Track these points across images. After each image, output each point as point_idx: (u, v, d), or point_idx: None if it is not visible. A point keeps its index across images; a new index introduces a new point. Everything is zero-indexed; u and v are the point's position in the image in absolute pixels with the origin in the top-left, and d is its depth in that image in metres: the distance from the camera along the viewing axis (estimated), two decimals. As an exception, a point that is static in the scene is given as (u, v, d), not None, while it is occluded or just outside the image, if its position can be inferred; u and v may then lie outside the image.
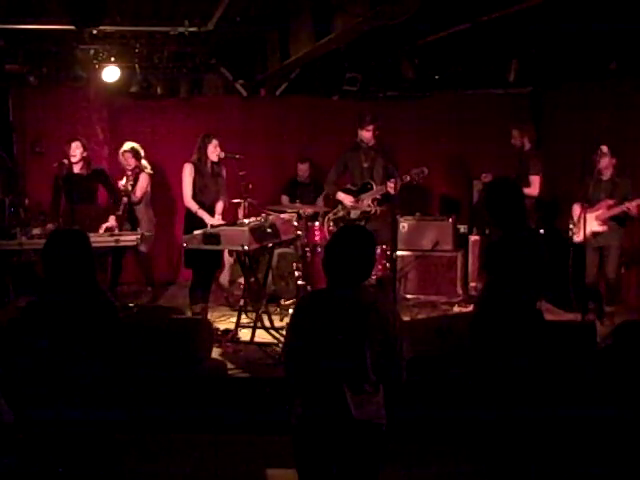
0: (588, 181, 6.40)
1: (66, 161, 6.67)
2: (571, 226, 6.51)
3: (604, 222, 6.37)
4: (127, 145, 7.46)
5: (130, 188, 7.29)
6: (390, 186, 6.42)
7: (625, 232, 6.53)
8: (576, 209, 6.55)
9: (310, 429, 2.92)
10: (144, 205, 7.46)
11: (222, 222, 6.25)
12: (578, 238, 6.43)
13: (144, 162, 7.44)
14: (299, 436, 2.96)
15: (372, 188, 6.67)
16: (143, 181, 7.37)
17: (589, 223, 6.24)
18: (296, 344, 3.00)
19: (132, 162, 7.38)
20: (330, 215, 6.85)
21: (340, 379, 2.86)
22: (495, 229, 4.06)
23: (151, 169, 7.50)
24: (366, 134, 6.64)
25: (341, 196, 6.82)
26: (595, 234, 6.38)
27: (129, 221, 7.21)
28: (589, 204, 6.32)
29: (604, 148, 6.31)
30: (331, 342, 2.88)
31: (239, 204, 6.66)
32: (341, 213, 6.80)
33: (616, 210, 6.31)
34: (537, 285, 3.98)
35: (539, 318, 4.04)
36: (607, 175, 6.40)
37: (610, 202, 6.37)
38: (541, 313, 4.13)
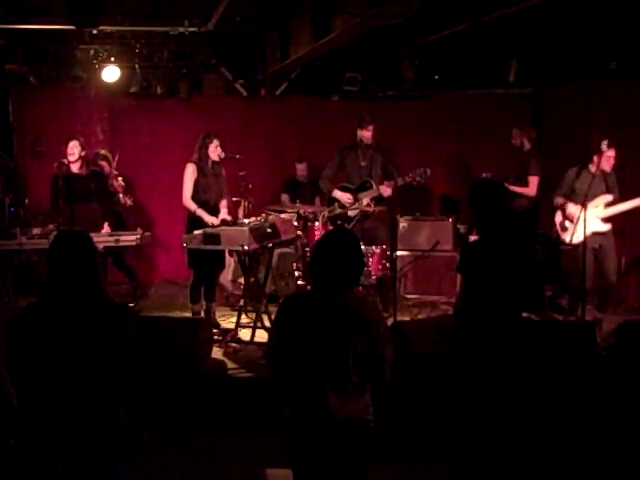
0: (574, 174, 6.19)
1: (66, 161, 6.65)
2: (567, 224, 6.19)
3: (607, 220, 6.08)
4: (102, 151, 7.49)
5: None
6: (385, 189, 6.42)
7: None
8: (570, 207, 6.20)
9: (298, 431, 2.93)
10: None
11: (229, 218, 6.25)
12: (577, 240, 5.99)
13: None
14: (288, 438, 2.98)
15: (371, 187, 6.64)
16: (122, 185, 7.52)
17: (590, 222, 5.83)
18: (280, 346, 2.99)
19: (107, 169, 7.36)
20: (325, 213, 6.69)
21: (322, 381, 2.87)
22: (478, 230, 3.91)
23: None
24: (366, 134, 6.64)
25: (338, 194, 6.76)
26: (594, 234, 6.00)
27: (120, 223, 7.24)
28: (577, 199, 6.00)
29: (605, 145, 6.02)
30: (314, 345, 2.89)
31: (239, 204, 6.66)
32: (338, 211, 6.69)
33: (630, 206, 5.99)
34: (520, 290, 3.76)
35: (523, 325, 3.89)
36: (600, 170, 6.06)
37: (609, 198, 6.07)
38: (526, 320, 4.03)
